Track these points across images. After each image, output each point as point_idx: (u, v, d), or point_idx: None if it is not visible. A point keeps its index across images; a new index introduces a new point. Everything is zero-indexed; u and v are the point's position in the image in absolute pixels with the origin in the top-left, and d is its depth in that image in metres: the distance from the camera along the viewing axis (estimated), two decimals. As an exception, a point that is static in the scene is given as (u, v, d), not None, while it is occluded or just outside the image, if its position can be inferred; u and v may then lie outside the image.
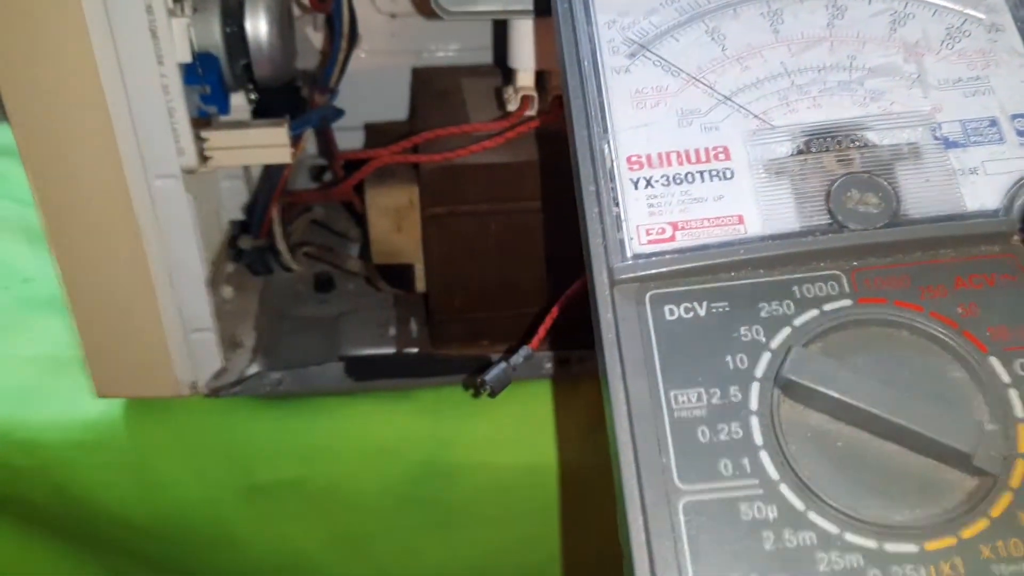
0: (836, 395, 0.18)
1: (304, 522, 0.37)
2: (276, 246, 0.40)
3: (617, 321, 0.20)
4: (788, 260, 0.20)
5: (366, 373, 0.38)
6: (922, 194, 0.21)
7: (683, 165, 0.22)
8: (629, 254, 0.21)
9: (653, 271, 0.20)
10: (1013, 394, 0.19)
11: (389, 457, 0.36)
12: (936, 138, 0.22)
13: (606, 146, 0.22)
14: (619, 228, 0.21)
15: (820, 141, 0.22)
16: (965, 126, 0.22)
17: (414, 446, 0.35)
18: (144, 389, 0.36)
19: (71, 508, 0.36)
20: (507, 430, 0.36)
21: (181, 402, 0.36)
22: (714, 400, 0.19)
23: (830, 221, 0.21)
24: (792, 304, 0.20)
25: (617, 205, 0.21)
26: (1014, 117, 0.22)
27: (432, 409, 0.36)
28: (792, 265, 0.20)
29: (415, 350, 0.39)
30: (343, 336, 0.40)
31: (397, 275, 0.41)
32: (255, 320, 0.40)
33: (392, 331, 0.41)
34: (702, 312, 0.20)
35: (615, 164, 0.22)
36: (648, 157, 0.22)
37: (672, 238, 0.21)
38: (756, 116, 0.22)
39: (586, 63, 0.23)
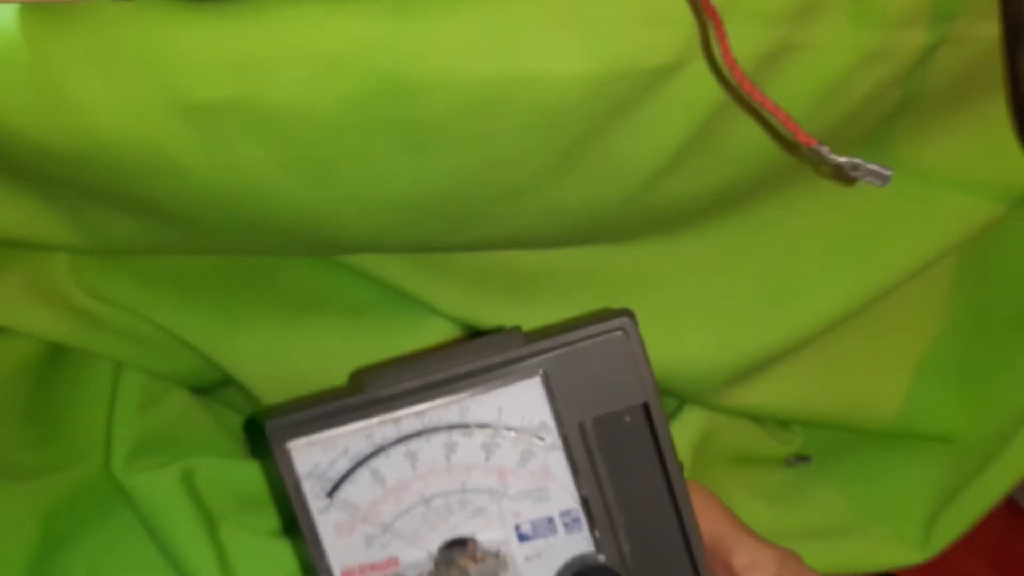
0: None
1: (254, 145, 0.34)
2: None
3: None
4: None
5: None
6: (509, 582, 0.37)
7: (373, 573, 0.37)
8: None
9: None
10: None
11: (342, 70, 0.31)
12: (519, 536, 0.37)
13: (325, 566, 0.37)
14: (345, 623, 0.37)
15: (446, 559, 0.37)
16: (534, 525, 0.37)
17: (371, 57, 0.31)
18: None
19: None
20: (482, 35, 0.31)
21: (85, 6, 0.31)
22: None
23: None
24: None
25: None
26: (560, 513, 0.37)
27: (391, 11, 0.31)
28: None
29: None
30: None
31: None
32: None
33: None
34: None
35: (333, 576, 0.37)
36: (353, 569, 0.37)
37: (376, 623, 0.38)
38: (406, 539, 0.37)
39: (301, 508, 0.37)
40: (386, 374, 0.36)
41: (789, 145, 0.38)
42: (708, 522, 0.37)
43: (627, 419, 0.36)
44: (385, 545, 0.37)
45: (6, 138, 0.33)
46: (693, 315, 0.45)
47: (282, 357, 0.47)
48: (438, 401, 0.36)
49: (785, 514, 0.51)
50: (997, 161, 0.42)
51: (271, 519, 0.47)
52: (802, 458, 0.54)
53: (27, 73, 0.31)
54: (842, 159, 0.31)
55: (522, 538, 0.36)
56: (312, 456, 0.36)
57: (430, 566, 0.37)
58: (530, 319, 0.40)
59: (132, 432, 0.47)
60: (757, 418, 0.52)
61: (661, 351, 0.42)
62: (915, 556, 0.50)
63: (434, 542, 0.37)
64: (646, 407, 0.34)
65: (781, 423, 0.54)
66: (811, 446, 0.54)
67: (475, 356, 0.36)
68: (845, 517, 0.51)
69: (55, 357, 0.50)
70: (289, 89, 0.32)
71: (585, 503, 0.36)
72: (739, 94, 0.34)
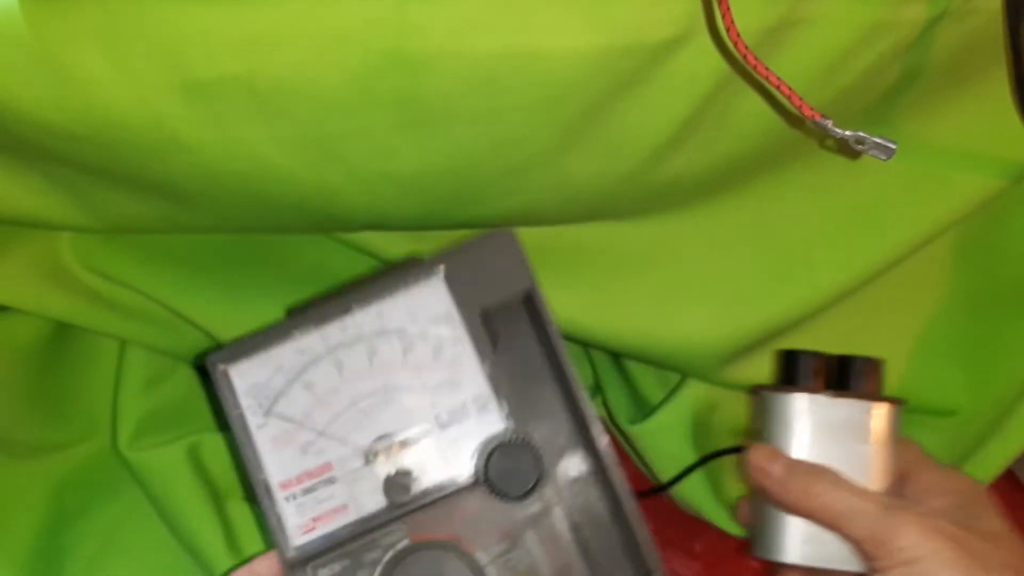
0: None
1: (260, 123, 0.34)
2: None
3: None
4: (372, 528, 0.40)
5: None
6: (433, 467, 0.40)
7: (309, 481, 0.40)
8: (293, 546, 0.40)
9: (310, 555, 0.40)
10: (488, 572, 0.39)
11: (346, 46, 0.32)
12: (438, 424, 0.41)
13: (263, 478, 0.41)
14: (284, 531, 0.40)
15: (374, 450, 0.40)
16: (451, 411, 0.40)
17: (375, 33, 0.31)
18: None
19: None
20: (485, 11, 0.31)
21: None
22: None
23: (387, 503, 0.40)
24: (380, 549, 0.40)
25: (280, 516, 0.40)
26: (472, 399, 0.41)
27: None
28: (377, 530, 0.40)
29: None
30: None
31: None
32: None
33: None
34: (339, 569, 0.40)
35: (271, 491, 0.41)
36: (291, 480, 0.40)
37: (314, 528, 0.40)
38: (339, 439, 0.41)
39: (239, 427, 0.41)
40: (311, 301, 0.42)
41: (793, 119, 0.38)
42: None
43: (514, 310, 0.40)
44: (320, 451, 0.40)
45: (10, 115, 0.33)
46: (697, 292, 0.46)
47: None
48: (357, 312, 0.41)
49: None
50: (999, 136, 0.42)
51: None
52: None
53: (31, 51, 0.31)
54: (847, 133, 0.32)
55: (442, 425, 0.40)
56: (249, 376, 0.41)
57: (362, 461, 0.40)
58: None
59: (137, 410, 0.48)
60: None
61: (665, 327, 0.46)
62: None
63: (364, 439, 0.40)
64: (530, 297, 0.39)
65: None
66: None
67: (385, 274, 0.42)
68: None
69: (61, 337, 0.51)
70: (293, 66, 0.32)
71: (492, 384, 0.40)
72: (743, 68, 0.34)
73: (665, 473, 0.51)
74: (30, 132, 0.34)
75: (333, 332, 0.40)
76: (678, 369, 0.51)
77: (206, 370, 0.41)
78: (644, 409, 0.54)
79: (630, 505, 0.37)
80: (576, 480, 0.39)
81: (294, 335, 0.40)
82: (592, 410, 0.39)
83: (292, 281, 0.47)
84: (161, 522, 0.48)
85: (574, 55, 0.32)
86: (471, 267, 0.39)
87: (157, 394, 0.49)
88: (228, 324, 0.47)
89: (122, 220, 0.43)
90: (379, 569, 0.39)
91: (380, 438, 0.40)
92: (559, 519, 0.38)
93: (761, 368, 0.49)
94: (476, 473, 0.38)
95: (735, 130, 0.39)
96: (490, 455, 0.38)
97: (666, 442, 0.51)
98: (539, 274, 0.39)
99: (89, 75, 0.32)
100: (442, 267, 0.40)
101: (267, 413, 0.40)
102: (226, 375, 0.40)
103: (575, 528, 0.38)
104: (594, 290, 0.46)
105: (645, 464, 0.54)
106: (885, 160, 0.32)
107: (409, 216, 0.42)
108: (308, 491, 0.40)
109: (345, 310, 0.40)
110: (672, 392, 0.52)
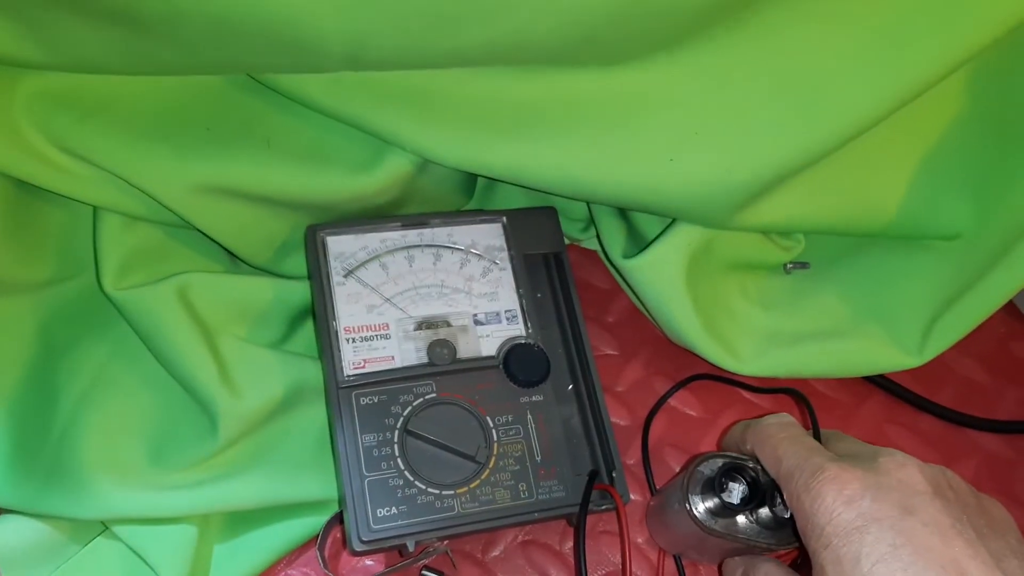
0: (422, 434, 0.49)
1: None
2: None
3: (340, 406, 0.49)
4: (409, 377, 0.51)
5: None
6: (466, 347, 0.52)
7: (369, 332, 0.51)
8: (343, 376, 0.50)
9: (355, 384, 0.50)
10: (492, 433, 0.50)
11: None
12: (475, 321, 0.53)
13: (333, 322, 0.51)
14: (339, 362, 0.50)
15: (427, 323, 0.52)
16: (487, 315, 0.53)
17: None
18: None
19: None
20: None
21: None
22: (380, 438, 0.49)
23: (428, 360, 0.51)
24: (412, 395, 0.50)
25: (339, 351, 0.51)
26: (504, 311, 0.54)
27: None
28: (413, 380, 0.51)
29: None
30: None
31: None
32: None
33: None
34: (375, 400, 0.50)
35: (338, 332, 0.51)
36: (354, 328, 0.51)
37: (364, 366, 0.51)
38: (400, 308, 0.52)
39: (324, 279, 0.52)
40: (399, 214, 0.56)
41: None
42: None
43: (547, 261, 0.56)
44: (381, 314, 0.52)
45: None
46: (703, 138, 0.42)
47: (241, 215, 0.48)
48: (434, 226, 0.55)
49: (783, 318, 0.51)
50: None
51: (267, 332, 0.51)
52: (800, 264, 0.53)
53: None
54: None
55: (477, 323, 0.53)
56: (340, 245, 0.53)
57: (413, 328, 0.52)
58: (533, 155, 0.45)
59: (119, 248, 0.46)
60: (763, 231, 0.51)
61: (671, 178, 0.43)
62: (910, 361, 0.50)
63: (419, 313, 0.53)
64: (559, 255, 0.55)
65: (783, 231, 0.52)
66: (811, 252, 0.53)
67: (463, 212, 0.56)
68: (843, 321, 0.50)
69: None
70: None
71: (521, 304, 0.54)
72: None
73: (659, 307, 0.51)
74: None
75: (412, 235, 0.54)
76: (686, 219, 0.48)
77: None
78: (639, 242, 0.52)
79: (607, 420, 0.48)
80: (569, 391, 0.51)
81: (382, 228, 0.53)
82: (590, 348, 0.52)
83: (256, 156, 0.46)
84: (151, 358, 0.47)
85: None
86: (523, 224, 0.54)
87: (138, 233, 0.47)
88: (182, 197, 0.45)
89: (79, 53, 0.40)
90: (409, 409, 0.49)
91: (431, 316, 0.52)
92: (552, 412, 0.48)
93: (774, 212, 0.46)
94: (498, 358, 0.50)
95: None
96: (511, 349, 0.50)
97: (660, 276, 0.49)
98: (537, 135, 0.42)
99: None
100: (504, 218, 0.55)
101: (347, 275, 0.52)
102: (323, 240, 0.52)
103: (563, 422, 0.50)
104: (593, 144, 0.44)
105: (638, 296, 0.54)
106: None
107: (387, 46, 0.39)
108: (366, 339, 0.51)
109: (424, 223, 0.53)
110: (668, 225, 0.49)
